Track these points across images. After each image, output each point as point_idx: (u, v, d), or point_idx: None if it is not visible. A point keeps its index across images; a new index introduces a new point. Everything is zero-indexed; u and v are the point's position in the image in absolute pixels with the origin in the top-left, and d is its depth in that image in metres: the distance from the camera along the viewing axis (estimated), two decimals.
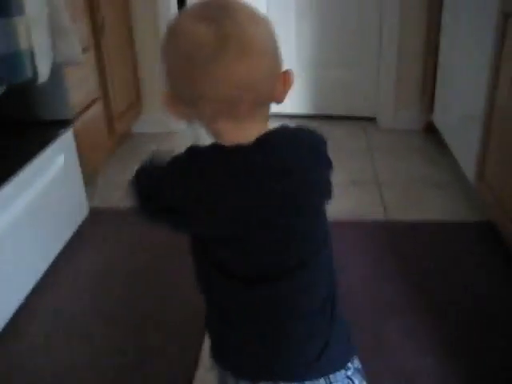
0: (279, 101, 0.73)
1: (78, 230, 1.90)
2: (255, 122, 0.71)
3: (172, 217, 0.73)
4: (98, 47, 2.13)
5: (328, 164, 0.76)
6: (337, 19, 2.68)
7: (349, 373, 0.78)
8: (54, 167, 1.74)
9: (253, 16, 0.68)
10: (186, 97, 0.69)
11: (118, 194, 2.01)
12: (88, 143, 1.99)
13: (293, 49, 2.72)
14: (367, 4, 2.61)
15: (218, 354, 0.82)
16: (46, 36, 1.56)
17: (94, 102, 2.07)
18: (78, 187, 1.92)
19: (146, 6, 2.59)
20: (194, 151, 0.71)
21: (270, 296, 0.74)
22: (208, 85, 0.66)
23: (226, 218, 0.69)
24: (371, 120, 2.85)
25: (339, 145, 2.55)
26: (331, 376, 0.76)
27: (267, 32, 0.69)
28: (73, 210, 1.89)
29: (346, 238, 1.79)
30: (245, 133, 0.69)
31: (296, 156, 0.72)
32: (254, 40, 0.66)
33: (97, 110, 2.10)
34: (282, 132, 0.73)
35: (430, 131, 2.61)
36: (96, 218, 1.99)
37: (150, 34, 2.62)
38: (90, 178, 2.08)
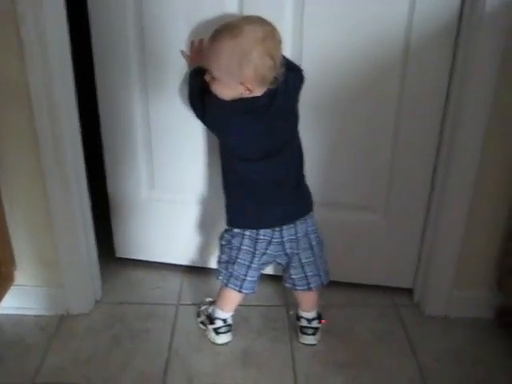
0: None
1: None
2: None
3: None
4: None
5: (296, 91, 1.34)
6: (356, 134, 1.57)
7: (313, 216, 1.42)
8: None
9: None
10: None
11: None
12: None
13: None
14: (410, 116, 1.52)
15: (245, 221, 1.38)
16: None
17: None
18: None
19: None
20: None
21: (270, 166, 1.32)
22: None
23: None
24: (404, 292, 1.75)
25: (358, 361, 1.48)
26: (306, 217, 1.40)
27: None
28: None
29: None
30: None
31: (279, 98, 1.27)
32: None
33: None
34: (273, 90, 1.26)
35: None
36: None
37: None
38: None
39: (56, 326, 1.60)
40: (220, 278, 1.47)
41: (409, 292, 1.74)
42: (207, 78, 1.28)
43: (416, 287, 1.72)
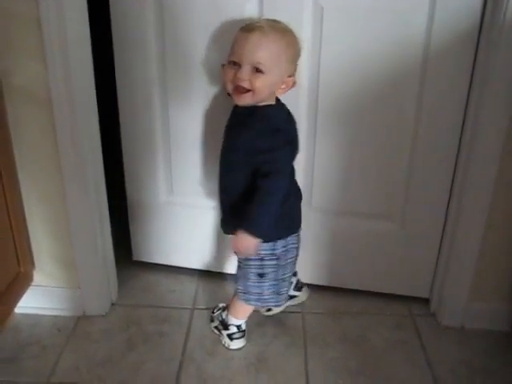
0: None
1: None
2: None
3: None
4: None
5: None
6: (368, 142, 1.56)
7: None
8: None
9: None
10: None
11: None
12: None
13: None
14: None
15: (291, 226, 1.39)
16: None
17: None
18: None
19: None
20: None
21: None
22: None
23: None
24: (420, 302, 1.74)
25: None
26: None
27: None
28: None
29: None
30: None
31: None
32: None
33: None
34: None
35: None
36: None
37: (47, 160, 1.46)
38: None
39: (72, 327, 1.61)
40: (270, 304, 1.49)
41: (425, 302, 1.73)
42: (245, 75, 1.19)
43: (432, 297, 1.70)
